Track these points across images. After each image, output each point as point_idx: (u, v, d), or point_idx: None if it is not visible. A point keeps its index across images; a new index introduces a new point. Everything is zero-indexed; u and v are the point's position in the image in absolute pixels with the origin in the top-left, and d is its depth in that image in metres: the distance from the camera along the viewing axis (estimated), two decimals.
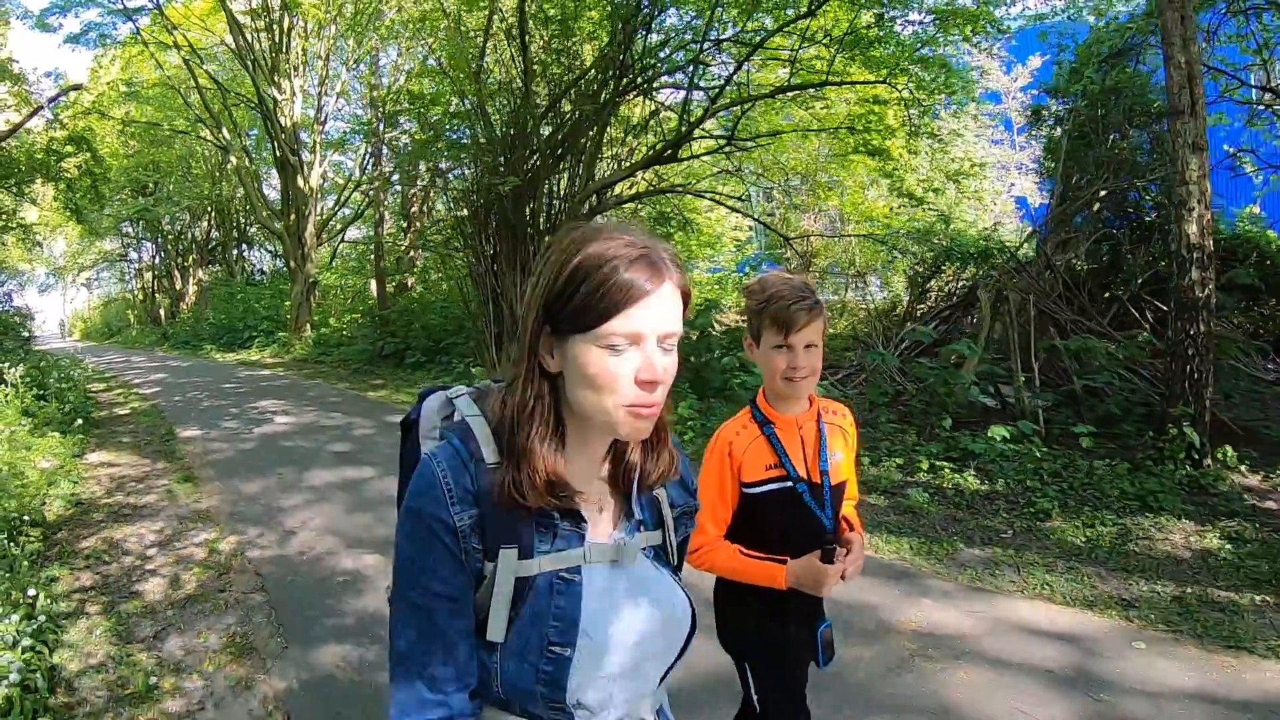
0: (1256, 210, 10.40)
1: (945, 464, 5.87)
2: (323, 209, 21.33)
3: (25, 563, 4.22)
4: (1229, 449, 5.57)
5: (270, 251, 30.53)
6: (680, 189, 13.26)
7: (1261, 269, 8.30)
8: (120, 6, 15.89)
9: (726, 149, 11.63)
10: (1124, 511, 4.95)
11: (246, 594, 4.08)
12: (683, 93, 11.42)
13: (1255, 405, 6.81)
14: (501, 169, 11.25)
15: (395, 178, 18.18)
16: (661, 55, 11.05)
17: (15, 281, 32.55)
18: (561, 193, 12.33)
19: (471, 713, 0.98)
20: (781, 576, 1.69)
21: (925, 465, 5.88)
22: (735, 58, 10.58)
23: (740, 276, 16.44)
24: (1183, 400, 5.66)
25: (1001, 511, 5.13)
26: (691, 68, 10.80)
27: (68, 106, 16.08)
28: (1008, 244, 10.17)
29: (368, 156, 20.18)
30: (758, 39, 10.01)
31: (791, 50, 9.99)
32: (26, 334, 15.63)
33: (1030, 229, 10.70)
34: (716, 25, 10.36)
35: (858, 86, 10.43)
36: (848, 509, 1.90)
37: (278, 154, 19.04)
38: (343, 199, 22.37)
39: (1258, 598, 3.78)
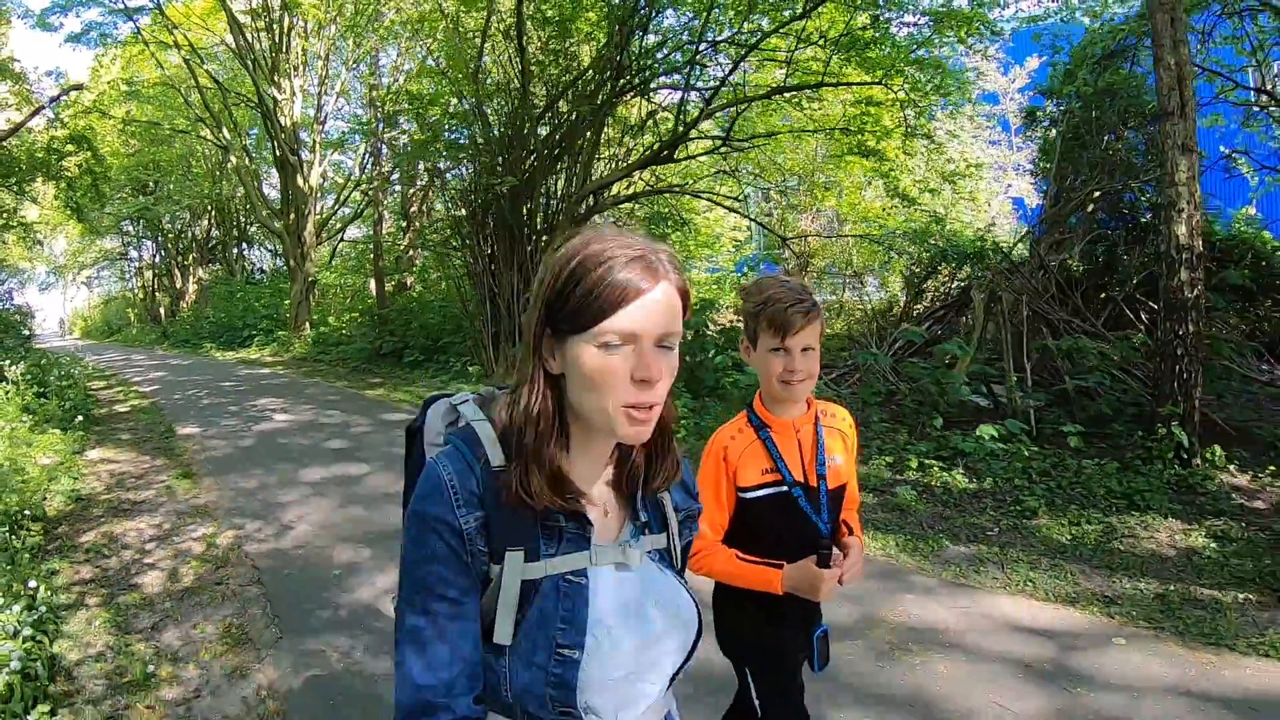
0: (1252, 211, 10.45)
1: (934, 463, 5.92)
2: (322, 208, 21.39)
3: (26, 556, 4.29)
4: (1217, 449, 5.58)
5: (270, 250, 30.61)
6: (677, 189, 13.32)
7: (1256, 270, 8.33)
8: (121, 6, 15.97)
9: (722, 149, 11.69)
10: (1110, 510, 4.98)
11: (243, 587, 4.15)
12: (679, 93, 11.48)
13: (1249, 406, 6.83)
14: (499, 169, 11.32)
15: (395, 177, 18.25)
16: (659, 56, 11.12)
17: (16, 280, 32.74)
18: (559, 193, 12.39)
19: (477, 716, 0.98)
20: (778, 581, 1.68)
21: (914, 464, 5.92)
22: (733, 59, 10.65)
23: (739, 276, 16.49)
24: (1171, 400, 5.68)
25: (989, 509, 5.18)
26: (688, 69, 10.86)
27: (69, 106, 16.14)
28: (1002, 244, 10.21)
29: (367, 156, 20.25)
30: (753, 40, 10.07)
31: (788, 51, 10.05)
32: (27, 332, 15.71)
33: (1025, 230, 10.75)
34: (713, 26, 10.42)
35: (853, 88, 10.49)
36: (848, 513, 1.89)
37: (277, 153, 19.10)
38: (342, 198, 22.43)
39: (1241, 595, 3.79)
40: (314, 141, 20.25)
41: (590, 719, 1.00)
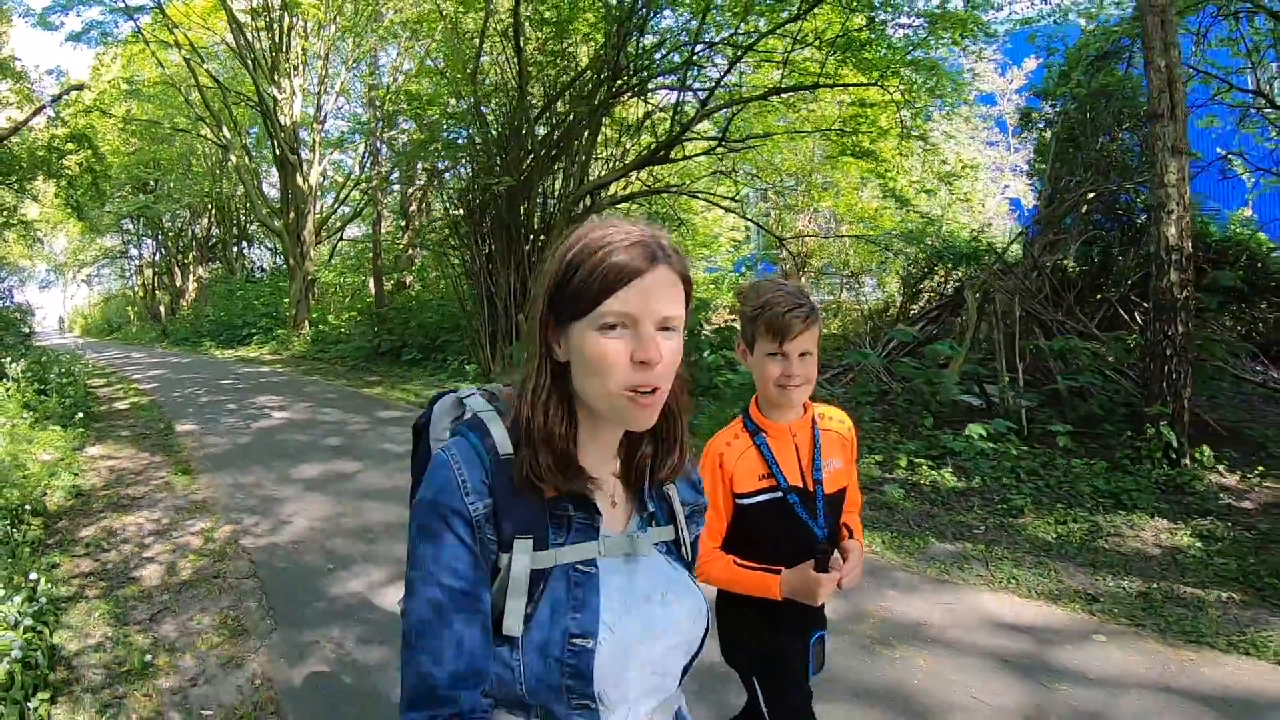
0: (1248, 213, 10.50)
1: (924, 461, 5.96)
2: (321, 207, 21.46)
3: (27, 549, 4.37)
4: (1206, 448, 5.60)
5: (270, 249, 30.68)
6: (674, 189, 13.37)
7: (1252, 271, 8.37)
8: (122, 5, 16.02)
9: (718, 150, 11.74)
10: (1097, 509, 5.00)
11: (240, 580, 4.22)
12: (676, 94, 11.54)
13: (1242, 406, 6.85)
14: (497, 169, 11.38)
15: (394, 177, 18.30)
16: (656, 57, 11.18)
17: (16, 278, 32.79)
18: (555, 193, 12.45)
19: (483, 709, 0.96)
20: (776, 586, 1.68)
21: (904, 463, 5.97)
22: (729, 59, 10.71)
23: (736, 276, 16.56)
24: (1160, 400, 5.70)
25: (976, 508, 5.22)
26: (685, 70, 10.92)
27: (69, 104, 16.19)
28: (995, 245, 10.26)
29: (366, 155, 20.32)
30: (749, 41, 10.13)
31: (785, 52, 10.11)
32: (27, 330, 15.76)
33: (1019, 230, 10.80)
34: (711, 27, 10.48)
35: (849, 89, 10.54)
36: (849, 515, 1.89)
37: (277, 152, 19.17)
38: (342, 197, 22.48)
39: (1224, 594, 3.80)
40: (314, 141, 20.33)
41: (605, 712, 1.00)
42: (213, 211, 30.07)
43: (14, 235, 21.57)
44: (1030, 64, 15.41)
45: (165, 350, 24.29)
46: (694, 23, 10.43)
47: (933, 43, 9.92)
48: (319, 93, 20.34)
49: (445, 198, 14.29)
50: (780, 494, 1.73)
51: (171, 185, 26.94)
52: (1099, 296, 8.80)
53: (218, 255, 31.90)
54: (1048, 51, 10.03)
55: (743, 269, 16.86)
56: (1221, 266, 8.12)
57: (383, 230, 19.26)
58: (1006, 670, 3.16)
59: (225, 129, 19.85)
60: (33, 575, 3.75)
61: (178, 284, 32.91)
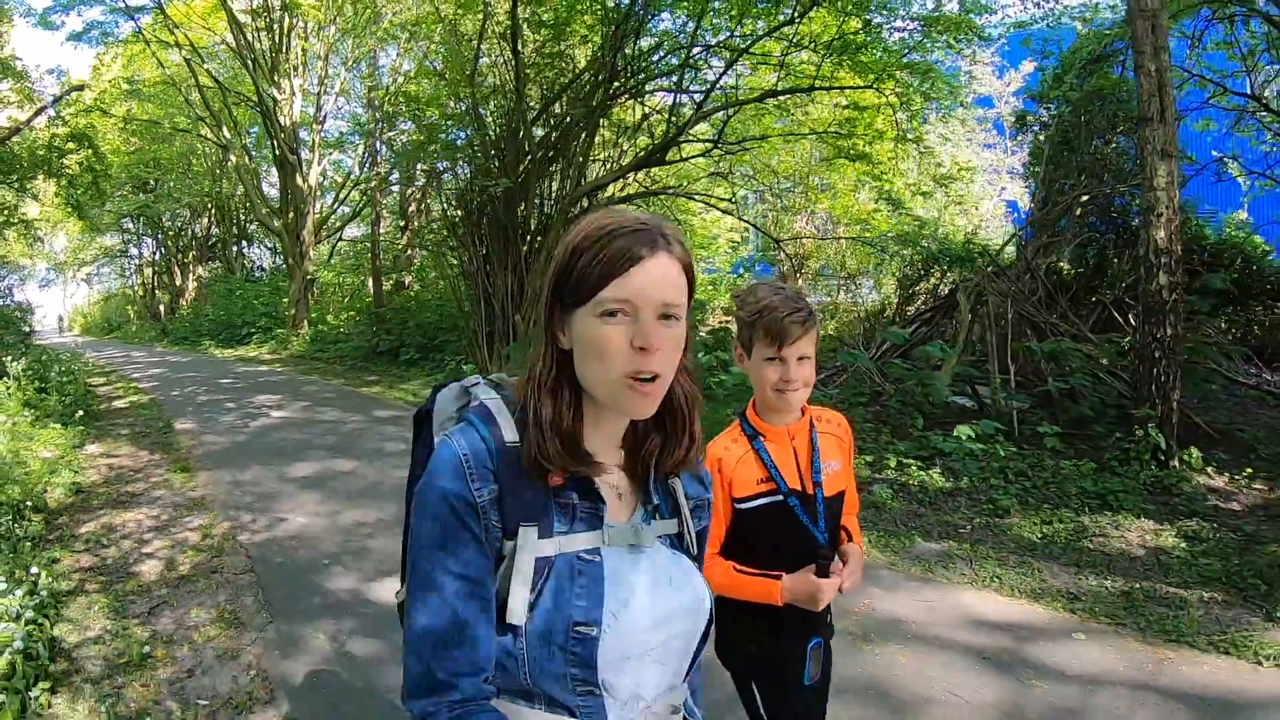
0: (1244, 216, 10.55)
1: (913, 462, 6.02)
2: (321, 207, 21.51)
3: (28, 544, 4.44)
4: (1194, 450, 5.63)
5: (269, 248, 30.69)
6: (671, 191, 13.42)
7: (1247, 274, 8.41)
8: (122, 5, 16.08)
9: (713, 152, 11.80)
10: (1083, 510, 5.04)
11: (237, 575, 4.30)
12: (673, 96, 11.60)
13: (1236, 409, 6.88)
14: (494, 171, 11.43)
15: (393, 177, 18.35)
16: (653, 60, 11.24)
17: (16, 276, 32.82)
18: (553, 194, 12.50)
19: (486, 697, 0.96)
20: (777, 592, 1.66)
21: (893, 463, 6.03)
22: (726, 62, 10.77)
23: (735, 278, 16.63)
24: (1149, 402, 5.75)
25: (963, 508, 5.28)
26: (681, 72, 10.98)
27: (70, 104, 16.24)
28: (989, 247, 10.32)
29: (366, 155, 20.38)
30: (746, 44, 10.18)
31: (782, 54, 10.16)
32: (27, 329, 15.80)
33: (1014, 232, 10.85)
34: (708, 30, 10.54)
35: (845, 92, 10.60)
36: (847, 518, 1.87)
37: (277, 152, 19.23)
38: (341, 197, 22.53)
39: (1206, 594, 3.83)
40: (313, 141, 20.38)
41: (610, 701, 1.01)
42: (212, 211, 30.12)
43: (14, 234, 21.58)
44: (1028, 67, 15.44)
45: (165, 349, 24.35)
46: (691, 25, 10.50)
47: (928, 45, 9.97)
48: (319, 93, 20.40)
49: (443, 199, 14.34)
50: (780, 497, 1.72)
51: (171, 185, 26.98)
52: (1094, 299, 8.84)
53: (217, 254, 31.93)
54: (1042, 55, 10.10)
55: (740, 270, 16.94)
56: (1216, 269, 8.15)
57: (381, 230, 19.33)
58: (986, 667, 3.20)
59: (225, 129, 19.91)
60: (34, 569, 3.83)
61: (177, 283, 32.95)
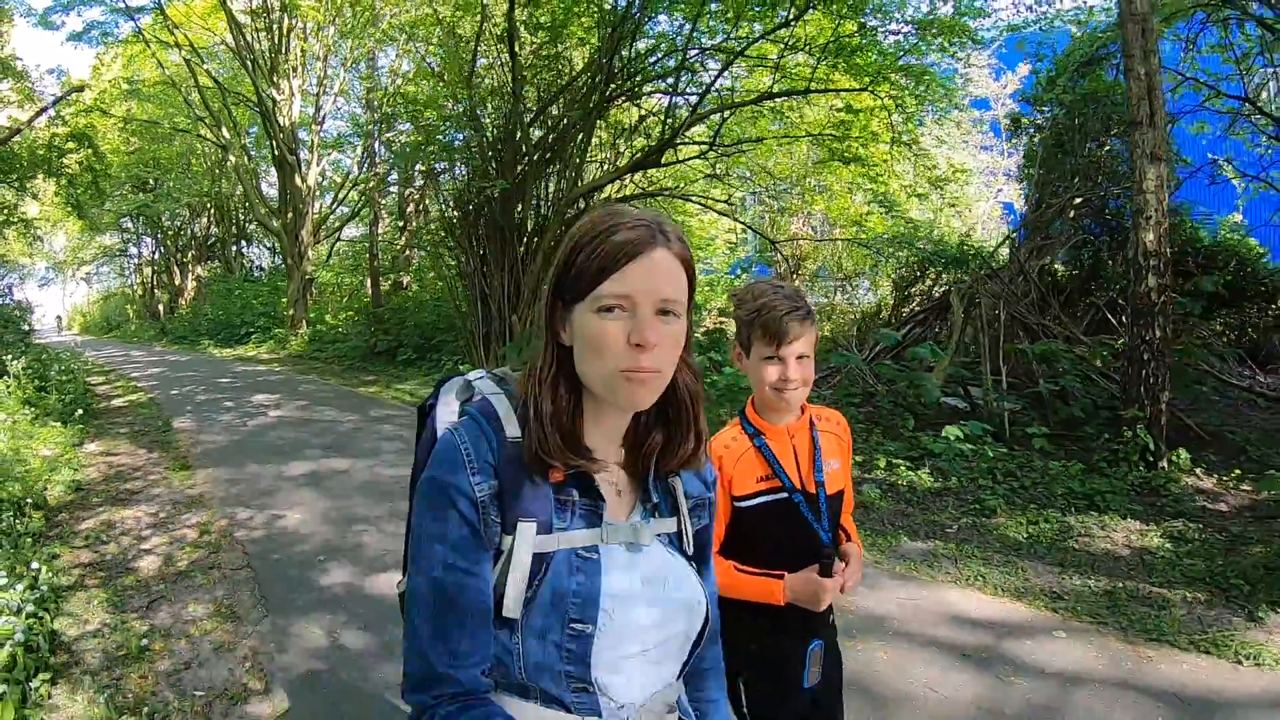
0: (1239, 218, 10.59)
1: (902, 462, 6.06)
2: (320, 207, 21.56)
3: (28, 540, 4.50)
4: (1183, 452, 5.67)
5: (268, 248, 30.74)
6: (667, 192, 13.47)
7: (1241, 276, 8.44)
8: (122, 5, 16.12)
9: (709, 154, 11.85)
10: (1070, 510, 5.08)
11: (234, 570, 4.36)
12: (669, 98, 11.65)
13: (1227, 410, 6.93)
14: (491, 172, 11.49)
15: (392, 178, 18.39)
16: (650, 62, 11.29)
17: (15, 275, 32.84)
18: (549, 196, 12.56)
19: (484, 689, 0.96)
20: (779, 592, 1.65)
21: (883, 463, 6.08)
22: (722, 64, 10.82)
23: (732, 279, 16.68)
24: (1138, 404, 5.79)
25: (950, 508, 5.33)
26: (678, 74, 11.03)
27: (70, 104, 16.28)
28: (983, 250, 10.36)
29: (364, 156, 20.43)
30: (741, 47, 10.24)
31: (777, 56, 10.21)
32: (26, 328, 15.82)
33: (1007, 234, 10.91)
34: (704, 32, 10.59)
35: (841, 95, 10.65)
36: (844, 517, 1.86)
37: (276, 153, 19.27)
38: (340, 197, 22.58)
39: (1189, 594, 3.86)
40: (312, 141, 20.43)
41: (604, 701, 1.01)
42: (212, 211, 30.17)
43: (14, 233, 21.62)
44: (1024, 69, 15.51)
45: (164, 349, 24.39)
46: (687, 28, 10.55)
47: (923, 48, 10.03)
48: (318, 94, 20.45)
49: (441, 199, 14.40)
50: (783, 495, 1.71)
51: (171, 184, 27.01)
52: (1088, 301, 8.89)
53: (216, 254, 31.98)
54: (1036, 58, 10.14)
55: (738, 271, 16.99)
56: (1210, 272, 8.19)
57: (380, 231, 19.38)
58: (966, 663, 3.24)
59: (225, 129, 19.95)
60: (34, 565, 3.89)
61: (176, 282, 32.99)
